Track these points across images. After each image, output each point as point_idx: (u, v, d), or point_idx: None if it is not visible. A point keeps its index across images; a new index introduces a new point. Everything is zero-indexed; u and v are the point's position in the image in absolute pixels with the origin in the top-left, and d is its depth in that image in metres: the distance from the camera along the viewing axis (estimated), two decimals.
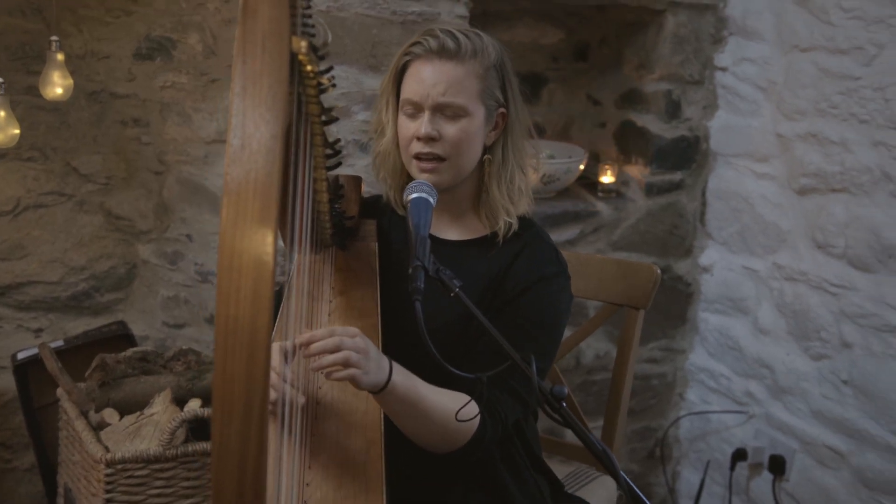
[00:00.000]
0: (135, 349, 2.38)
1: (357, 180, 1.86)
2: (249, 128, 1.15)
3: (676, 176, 3.08)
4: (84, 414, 2.26)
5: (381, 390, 1.49)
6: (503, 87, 1.69)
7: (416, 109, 1.67)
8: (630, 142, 3.10)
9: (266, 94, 1.15)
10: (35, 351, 2.55)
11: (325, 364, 1.43)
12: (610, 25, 3.13)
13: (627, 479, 1.35)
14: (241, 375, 1.11)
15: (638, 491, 1.37)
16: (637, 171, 3.08)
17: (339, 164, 1.48)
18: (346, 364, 1.43)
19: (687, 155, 3.07)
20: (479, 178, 1.74)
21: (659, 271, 2.12)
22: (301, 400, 1.48)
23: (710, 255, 3.16)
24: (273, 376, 1.44)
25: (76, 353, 2.53)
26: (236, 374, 1.10)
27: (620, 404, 2.13)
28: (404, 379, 1.52)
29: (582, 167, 3.02)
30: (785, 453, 2.93)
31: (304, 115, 1.37)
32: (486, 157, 1.71)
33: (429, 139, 1.65)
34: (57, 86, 2.41)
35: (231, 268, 1.11)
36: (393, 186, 1.79)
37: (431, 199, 1.55)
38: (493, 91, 1.68)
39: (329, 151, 1.45)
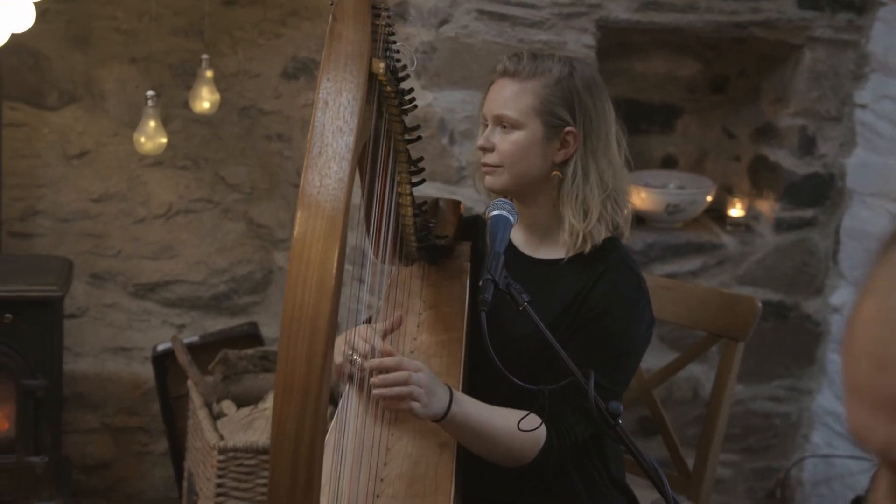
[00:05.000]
0: (258, 348, 2.54)
1: (456, 204, 1.94)
2: (327, 137, 1.27)
3: (808, 213, 3.02)
4: (208, 405, 2.44)
5: (440, 420, 1.58)
6: (570, 107, 1.72)
7: (485, 123, 1.78)
8: (762, 176, 3.07)
9: (344, 108, 1.27)
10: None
11: (391, 395, 1.54)
12: (749, 58, 3.11)
13: (677, 500, 1.37)
14: (302, 357, 1.22)
15: None
16: (767, 206, 3.04)
17: (423, 181, 1.58)
18: (409, 397, 1.53)
19: (820, 192, 3.01)
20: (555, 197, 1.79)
21: (760, 304, 2.11)
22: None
23: (841, 295, 3.07)
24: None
25: (209, 349, 2.72)
26: (298, 356, 1.21)
27: (715, 435, 2.12)
28: (465, 407, 1.60)
29: (709, 199, 3.01)
30: None
31: (389, 133, 1.47)
32: (554, 173, 1.75)
33: (483, 149, 1.75)
34: (204, 100, 2.62)
35: (301, 259, 1.23)
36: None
37: (511, 218, 1.61)
38: (555, 109, 1.72)
39: (413, 168, 1.54)
